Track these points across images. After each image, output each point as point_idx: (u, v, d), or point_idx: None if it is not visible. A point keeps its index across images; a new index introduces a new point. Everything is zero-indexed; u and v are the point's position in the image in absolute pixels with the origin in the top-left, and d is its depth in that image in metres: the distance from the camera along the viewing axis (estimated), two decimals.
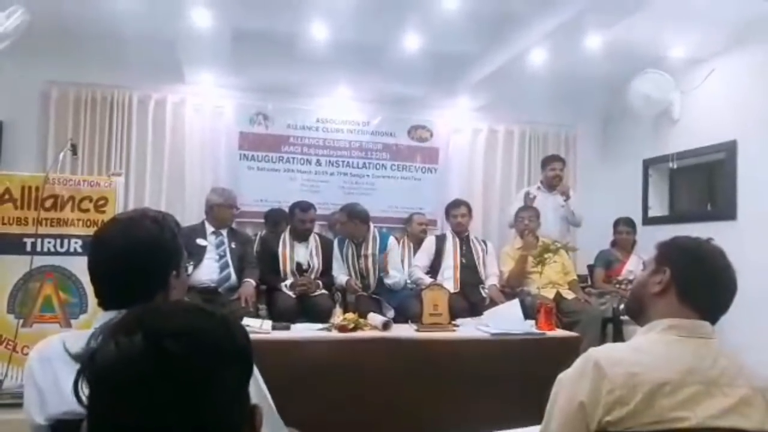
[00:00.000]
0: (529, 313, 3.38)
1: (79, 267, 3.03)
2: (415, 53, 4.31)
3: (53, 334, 1.20)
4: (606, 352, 1.14)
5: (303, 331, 3.05)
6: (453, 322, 3.28)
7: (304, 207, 4.16)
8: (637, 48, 4.34)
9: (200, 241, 3.84)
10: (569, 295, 4.23)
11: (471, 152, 5.57)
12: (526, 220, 4.37)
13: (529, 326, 3.16)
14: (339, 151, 5.25)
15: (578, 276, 4.61)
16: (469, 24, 3.89)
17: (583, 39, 4.03)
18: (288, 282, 3.95)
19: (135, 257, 1.17)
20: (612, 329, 4.20)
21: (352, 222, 4.07)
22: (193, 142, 4.96)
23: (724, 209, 4.35)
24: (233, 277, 3.87)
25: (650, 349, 1.15)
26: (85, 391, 0.66)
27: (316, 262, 4.12)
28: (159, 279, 1.19)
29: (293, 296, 3.86)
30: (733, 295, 1.23)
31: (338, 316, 3.08)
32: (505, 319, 3.19)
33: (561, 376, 1.17)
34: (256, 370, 0.94)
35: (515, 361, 2.83)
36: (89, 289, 2.88)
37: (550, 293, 4.10)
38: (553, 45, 4.10)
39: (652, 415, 1.05)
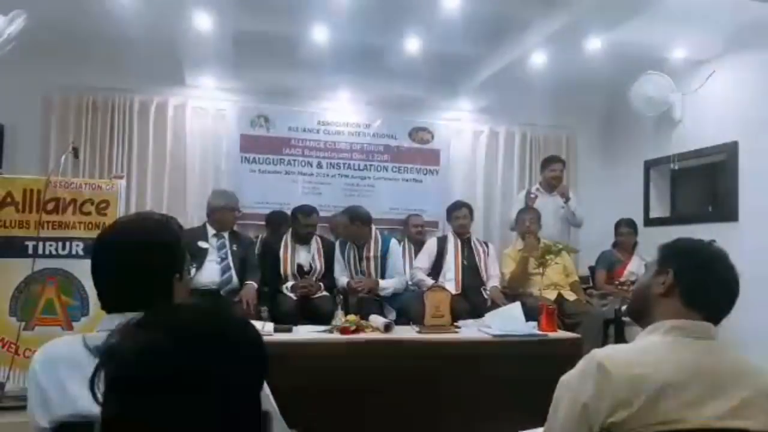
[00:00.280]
0: (530, 314, 3.38)
1: (81, 270, 3.02)
2: (415, 56, 4.32)
3: (55, 337, 1.20)
4: (609, 354, 1.14)
5: (305, 333, 3.04)
6: (455, 324, 3.27)
7: (306, 211, 4.16)
8: (638, 50, 4.35)
9: (202, 244, 3.83)
10: (571, 296, 4.23)
11: (472, 154, 5.58)
12: (528, 221, 4.37)
13: (531, 328, 3.15)
14: (340, 153, 5.25)
15: (580, 277, 4.60)
16: (470, 26, 3.90)
17: (584, 41, 4.04)
18: (289, 284, 3.95)
19: (138, 260, 1.17)
20: (614, 331, 4.20)
21: (355, 225, 4.07)
22: (194, 145, 4.97)
23: (726, 210, 4.35)
24: (235, 279, 3.87)
25: (654, 351, 1.15)
26: (100, 387, 0.67)
27: (318, 265, 4.12)
28: (162, 282, 1.19)
29: (295, 298, 3.86)
30: (736, 296, 1.23)
31: (340, 318, 3.07)
32: (507, 321, 3.18)
33: (564, 377, 1.17)
34: None
35: (517, 362, 2.81)
36: (91, 292, 2.90)
37: (551, 295, 4.09)
38: (554, 47, 4.11)
39: (655, 417, 1.05)
